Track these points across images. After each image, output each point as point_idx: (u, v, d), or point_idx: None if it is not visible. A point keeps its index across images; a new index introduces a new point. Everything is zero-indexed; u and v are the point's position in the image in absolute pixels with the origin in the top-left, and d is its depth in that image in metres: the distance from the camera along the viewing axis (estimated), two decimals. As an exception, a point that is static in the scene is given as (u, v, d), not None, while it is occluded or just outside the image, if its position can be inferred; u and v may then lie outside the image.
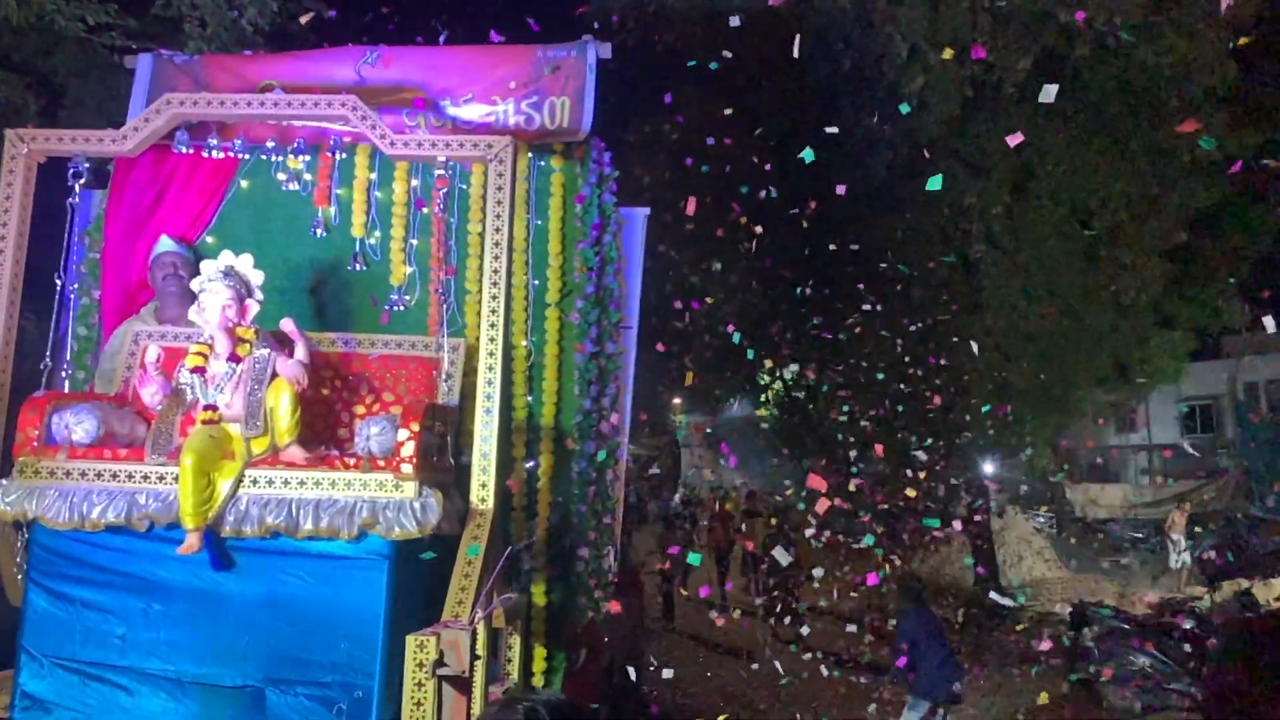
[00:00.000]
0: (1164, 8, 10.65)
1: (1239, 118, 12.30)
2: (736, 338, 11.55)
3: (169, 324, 4.90)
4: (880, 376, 11.58)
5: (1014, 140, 6.98)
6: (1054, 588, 16.72)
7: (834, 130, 9.89)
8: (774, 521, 15.62)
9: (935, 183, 7.17)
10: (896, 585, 8.88)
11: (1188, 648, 9.41)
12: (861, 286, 11.48)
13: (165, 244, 5.05)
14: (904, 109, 9.24)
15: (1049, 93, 6.16)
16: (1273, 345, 25.20)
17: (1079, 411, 15.62)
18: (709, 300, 13.42)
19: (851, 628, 10.75)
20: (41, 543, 4.06)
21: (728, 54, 8.66)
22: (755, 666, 9.66)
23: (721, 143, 10.63)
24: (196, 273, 4.70)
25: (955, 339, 11.78)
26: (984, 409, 12.08)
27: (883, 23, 10.95)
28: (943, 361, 11.86)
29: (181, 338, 4.71)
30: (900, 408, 12.70)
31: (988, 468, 16.12)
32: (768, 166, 10.78)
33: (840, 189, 7.68)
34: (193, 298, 4.73)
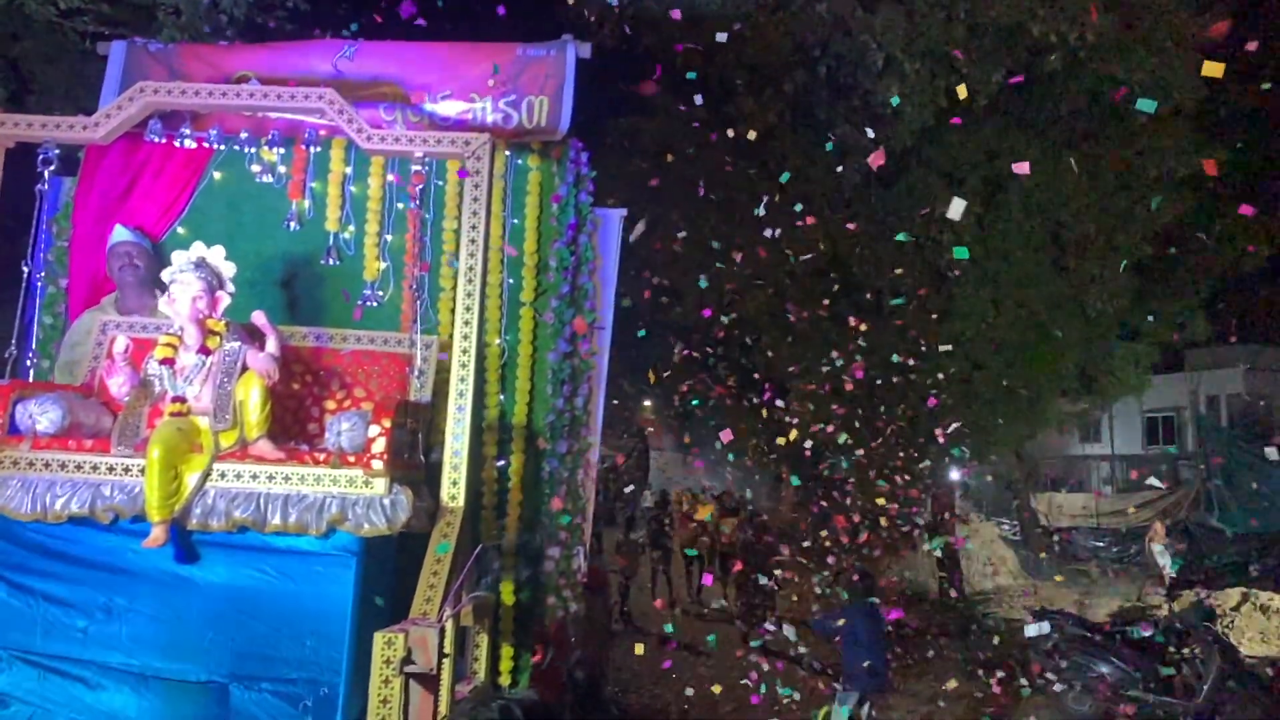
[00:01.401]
0: (1134, 25, 10.82)
1: (1207, 134, 12.52)
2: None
3: (130, 314, 4.84)
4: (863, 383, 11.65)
5: (1021, 169, 7.06)
6: (1016, 595, 16.88)
7: (817, 130, 10.00)
8: (746, 525, 15.58)
9: (904, 235, 7.33)
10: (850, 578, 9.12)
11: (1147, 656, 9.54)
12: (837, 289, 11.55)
13: (120, 234, 4.99)
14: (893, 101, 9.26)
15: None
16: (1235, 359, 25.66)
17: (1044, 421, 15.81)
18: (679, 309, 13.49)
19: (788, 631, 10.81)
20: (2, 533, 4.00)
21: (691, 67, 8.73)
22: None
23: (698, 147, 10.67)
24: (154, 262, 4.71)
25: (924, 347, 11.88)
26: (952, 438, 12.18)
27: (860, 31, 11.03)
28: (912, 376, 11.94)
29: (151, 328, 4.66)
30: (862, 415, 12.78)
31: (954, 475, 16.25)
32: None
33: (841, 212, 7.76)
34: (152, 287, 4.73)
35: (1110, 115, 11.97)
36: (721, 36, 7.21)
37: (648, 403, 30.06)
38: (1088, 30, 10.19)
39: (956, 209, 6.70)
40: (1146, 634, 9.77)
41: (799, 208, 9.50)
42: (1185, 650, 9.41)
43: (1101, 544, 21.10)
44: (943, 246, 12.75)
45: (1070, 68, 11.32)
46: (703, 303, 12.84)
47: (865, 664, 7.71)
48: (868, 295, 12.67)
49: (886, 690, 8.36)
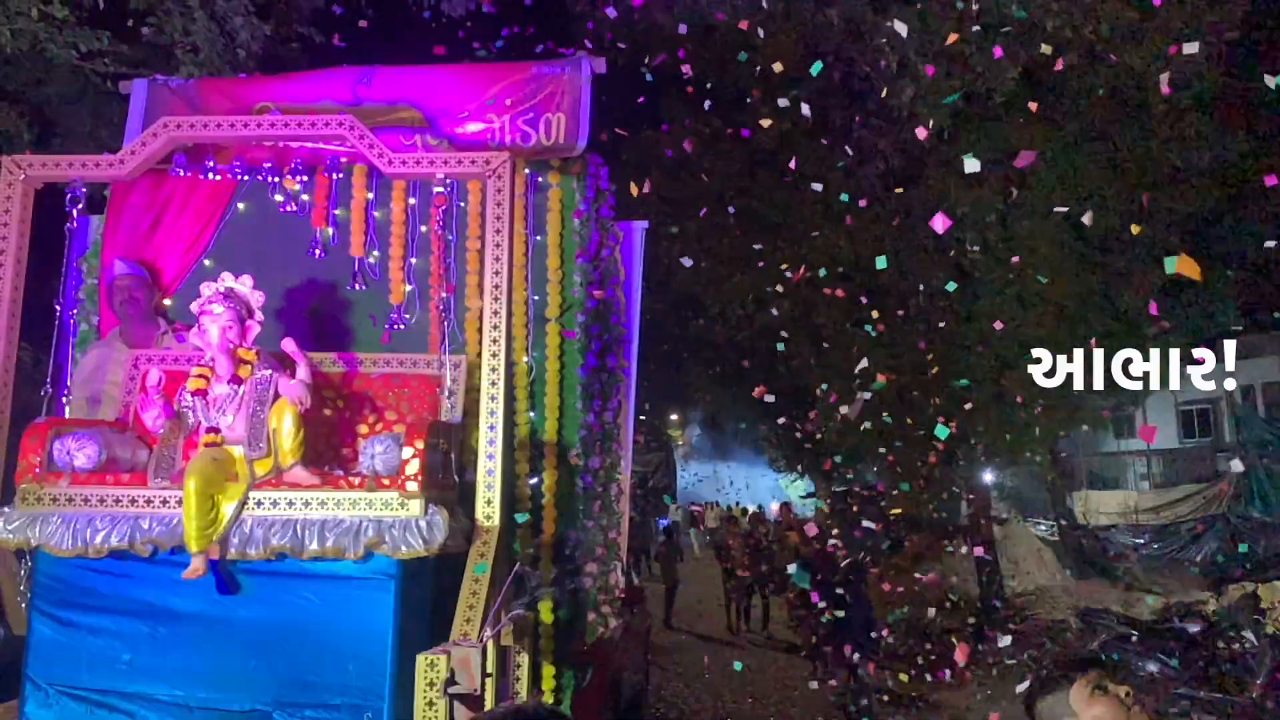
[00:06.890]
0: (1149, 15, 10.72)
1: (1227, 121, 12.38)
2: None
3: (135, 346, 4.88)
4: (881, 385, 11.59)
5: (1024, 159, 7.13)
6: (1057, 595, 16.68)
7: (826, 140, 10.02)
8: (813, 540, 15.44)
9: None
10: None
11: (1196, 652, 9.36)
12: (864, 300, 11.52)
13: (119, 268, 5.02)
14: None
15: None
16: (1268, 348, 25.27)
17: (1077, 419, 15.62)
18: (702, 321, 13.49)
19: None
20: (45, 570, 4.03)
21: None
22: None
23: (714, 157, 10.69)
24: (152, 293, 4.78)
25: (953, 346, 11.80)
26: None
27: (872, 35, 11.01)
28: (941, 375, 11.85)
29: (182, 361, 4.69)
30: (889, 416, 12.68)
31: (989, 476, 16.09)
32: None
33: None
34: (154, 317, 4.83)
35: (1129, 107, 11.87)
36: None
37: (674, 415, 30.03)
38: (1103, 21, 10.12)
39: None
40: (1194, 630, 9.60)
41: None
42: (1235, 645, 9.23)
43: (1141, 540, 20.79)
44: (964, 245, 12.67)
45: (1087, 60, 11.24)
46: (724, 314, 12.82)
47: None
48: (891, 297, 12.60)
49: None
